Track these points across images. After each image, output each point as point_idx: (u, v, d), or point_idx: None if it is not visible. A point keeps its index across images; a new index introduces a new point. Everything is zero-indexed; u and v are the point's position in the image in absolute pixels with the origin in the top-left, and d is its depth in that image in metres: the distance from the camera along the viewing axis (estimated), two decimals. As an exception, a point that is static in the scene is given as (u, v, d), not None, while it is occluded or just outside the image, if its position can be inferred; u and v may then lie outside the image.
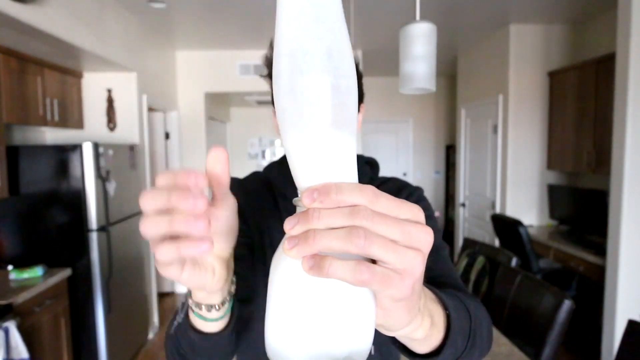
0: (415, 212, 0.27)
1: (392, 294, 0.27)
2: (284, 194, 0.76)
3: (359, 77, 0.75)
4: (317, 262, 0.25)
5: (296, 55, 0.28)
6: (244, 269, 0.68)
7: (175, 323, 0.50)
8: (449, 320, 0.43)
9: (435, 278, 0.66)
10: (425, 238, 0.27)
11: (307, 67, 0.28)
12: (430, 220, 0.73)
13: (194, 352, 0.49)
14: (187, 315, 0.46)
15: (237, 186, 0.77)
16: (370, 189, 0.26)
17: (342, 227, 0.25)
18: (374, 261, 0.27)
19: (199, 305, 0.41)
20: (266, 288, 0.34)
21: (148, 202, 0.28)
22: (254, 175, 0.84)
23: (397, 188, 0.80)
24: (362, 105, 0.79)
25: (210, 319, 0.42)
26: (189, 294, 0.42)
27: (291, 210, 0.72)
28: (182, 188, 0.28)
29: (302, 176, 0.30)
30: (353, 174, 0.31)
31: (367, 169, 0.81)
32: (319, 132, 0.29)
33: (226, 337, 0.46)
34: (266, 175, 0.81)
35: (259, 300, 0.69)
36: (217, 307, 0.41)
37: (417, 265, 0.26)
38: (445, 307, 0.44)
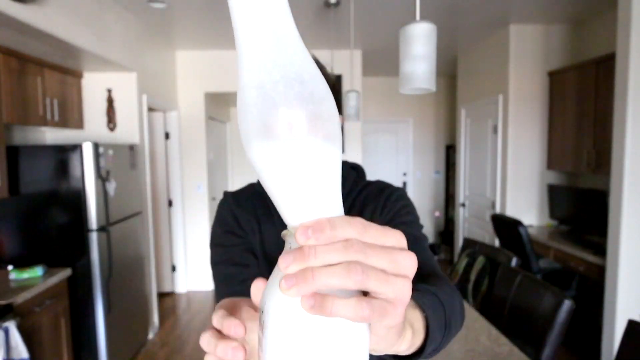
0: (398, 238, 0.29)
1: (387, 324, 0.29)
2: None
3: (337, 92, 0.79)
4: (319, 302, 0.26)
5: (265, 87, 0.26)
6: (252, 275, 0.74)
7: None
8: (428, 320, 0.46)
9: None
10: (411, 264, 0.28)
11: (281, 97, 0.26)
12: (410, 215, 0.81)
13: None
14: None
15: (231, 197, 0.87)
16: (359, 221, 0.28)
17: (339, 263, 0.26)
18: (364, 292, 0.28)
19: None
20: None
21: (204, 345, 0.35)
22: (249, 186, 0.89)
23: (379, 189, 0.84)
24: (341, 117, 0.82)
25: None
26: None
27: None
28: (226, 336, 0.34)
29: (290, 216, 0.29)
30: (338, 203, 0.31)
31: (353, 174, 0.87)
32: (305, 170, 0.28)
33: None
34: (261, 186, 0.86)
35: None
36: None
37: (407, 291, 0.28)
38: (422, 309, 0.47)
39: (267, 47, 0.26)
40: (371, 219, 0.75)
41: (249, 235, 0.81)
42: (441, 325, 0.50)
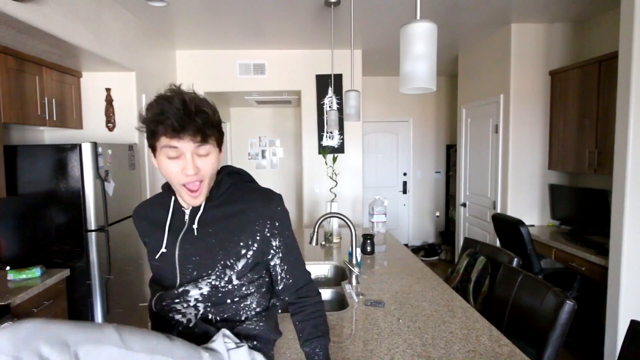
0: None
1: None
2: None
3: (217, 122, 0.96)
4: None
5: None
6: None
7: None
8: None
9: (295, 289, 1.06)
10: None
11: None
12: (291, 236, 1.06)
13: None
14: None
15: (141, 209, 1.12)
16: None
17: None
18: None
19: None
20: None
21: None
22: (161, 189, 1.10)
23: (267, 198, 1.02)
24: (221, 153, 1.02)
25: None
26: None
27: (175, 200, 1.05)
28: None
29: None
30: None
31: (229, 180, 1.04)
32: None
33: None
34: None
35: None
36: None
37: None
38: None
39: None
40: (255, 221, 0.99)
41: (150, 239, 1.07)
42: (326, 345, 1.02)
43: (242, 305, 1.01)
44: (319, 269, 2.44)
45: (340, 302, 1.91)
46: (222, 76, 4.35)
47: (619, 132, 2.34)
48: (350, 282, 1.99)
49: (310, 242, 2.09)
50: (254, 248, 1.00)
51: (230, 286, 0.99)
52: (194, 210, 1.01)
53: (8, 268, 2.30)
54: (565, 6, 3.20)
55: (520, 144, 3.69)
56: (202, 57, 4.32)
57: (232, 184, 1.04)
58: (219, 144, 0.98)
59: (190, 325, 0.99)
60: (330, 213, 2.10)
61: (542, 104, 3.66)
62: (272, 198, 1.03)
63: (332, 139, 4.49)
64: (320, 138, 4.50)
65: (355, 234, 2.04)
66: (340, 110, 4.35)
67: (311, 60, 4.42)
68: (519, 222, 3.09)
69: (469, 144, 4.54)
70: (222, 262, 0.98)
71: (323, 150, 4.43)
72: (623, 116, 2.31)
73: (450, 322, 1.57)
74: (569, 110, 3.39)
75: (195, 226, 1.00)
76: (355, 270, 1.98)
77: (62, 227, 2.51)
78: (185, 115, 0.86)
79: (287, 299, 1.08)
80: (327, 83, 4.42)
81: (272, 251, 1.02)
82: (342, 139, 4.49)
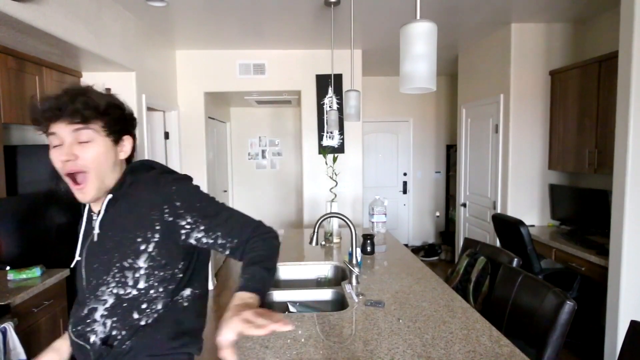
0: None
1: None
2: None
3: (105, 108, 0.91)
4: None
5: None
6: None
7: None
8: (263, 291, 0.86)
9: (244, 245, 0.94)
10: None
11: None
12: (203, 202, 0.96)
13: None
14: None
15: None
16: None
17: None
18: None
19: None
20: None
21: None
22: None
23: (154, 182, 0.96)
24: (127, 136, 0.98)
25: None
26: None
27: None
28: None
29: None
30: None
31: (129, 177, 0.98)
32: None
33: None
34: None
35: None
36: None
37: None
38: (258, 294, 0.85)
39: None
40: (149, 212, 0.92)
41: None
42: (270, 280, 0.90)
43: (147, 311, 0.94)
44: (319, 269, 2.44)
45: (340, 302, 1.91)
46: (222, 76, 4.35)
47: (619, 132, 2.34)
48: (350, 282, 1.99)
49: (310, 242, 2.09)
50: (156, 239, 0.91)
51: (135, 292, 0.92)
52: (98, 214, 0.97)
53: (8, 268, 2.30)
54: (565, 6, 3.20)
55: (520, 144, 3.69)
56: (202, 57, 4.32)
57: (134, 181, 0.97)
58: (112, 135, 0.92)
59: (95, 348, 0.93)
60: (330, 213, 2.10)
61: (542, 104, 3.66)
62: (160, 182, 0.95)
63: (332, 139, 4.50)
64: (320, 138, 4.50)
65: (355, 234, 2.04)
66: (340, 110, 4.35)
67: (311, 60, 4.42)
68: (519, 222, 3.09)
69: (469, 144, 4.54)
70: (117, 265, 0.91)
71: (323, 150, 4.43)
72: (623, 116, 2.30)
73: (450, 322, 1.57)
74: (569, 110, 3.39)
75: (96, 231, 0.96)
76: (355, 270, 1.98)
77: (62, 227, 2.51)
78: (64, 98, 0.86)
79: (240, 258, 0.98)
80: (327, 83, 4.42)
81: (183, 231, 0.92)
82: (342, 139, 4.49)
